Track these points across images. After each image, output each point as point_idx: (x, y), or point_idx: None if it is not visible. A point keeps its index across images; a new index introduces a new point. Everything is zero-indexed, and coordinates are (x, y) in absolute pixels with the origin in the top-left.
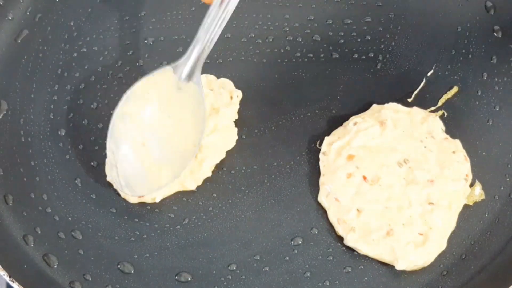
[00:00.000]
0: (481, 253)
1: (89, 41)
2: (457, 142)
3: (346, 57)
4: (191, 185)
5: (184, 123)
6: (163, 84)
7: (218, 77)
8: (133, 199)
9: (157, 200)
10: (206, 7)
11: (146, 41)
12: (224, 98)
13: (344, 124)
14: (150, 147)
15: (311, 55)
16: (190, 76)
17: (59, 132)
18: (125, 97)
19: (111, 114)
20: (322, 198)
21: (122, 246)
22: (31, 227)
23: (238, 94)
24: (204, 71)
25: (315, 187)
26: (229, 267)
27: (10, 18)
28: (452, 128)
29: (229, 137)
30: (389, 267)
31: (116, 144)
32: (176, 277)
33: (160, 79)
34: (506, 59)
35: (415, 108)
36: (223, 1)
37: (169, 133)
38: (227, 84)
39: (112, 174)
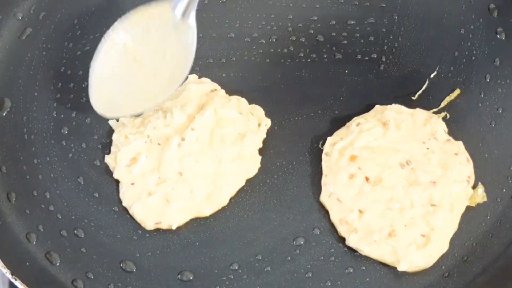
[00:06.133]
0: (483, 255)
1: (92, 40)
2: (460, 143)
3: (349, 58)
4: (207, 211)
5: (172, 57)
6: (159, 17)
7: (220, 77)
8: (149, 226)
9: (174, 227)
10: (209, 6)
11: None
12: (251, 124)
13: (347, 124)
14: (137, 71)
15: (314, 56)
16: (185, 14)
17: (62, 130)
18: (119, 21)
19: None
20: (324, 199)
21: (124, 245)
22: (33, 225)
23: (267, 123)
24: (207, 70)
25: (317, 188)
26: (231, 267)
27: (14, 16)
28: (455, 129)
29: (251, 165)
30: (390, 268)
31: (103, 65)
32: (178, 276)
33: (157, 11)
34: (509, 61)
35: (418, 109)
36: None
37: (155, 63)
38: (257, 110)
39: (94, 96)
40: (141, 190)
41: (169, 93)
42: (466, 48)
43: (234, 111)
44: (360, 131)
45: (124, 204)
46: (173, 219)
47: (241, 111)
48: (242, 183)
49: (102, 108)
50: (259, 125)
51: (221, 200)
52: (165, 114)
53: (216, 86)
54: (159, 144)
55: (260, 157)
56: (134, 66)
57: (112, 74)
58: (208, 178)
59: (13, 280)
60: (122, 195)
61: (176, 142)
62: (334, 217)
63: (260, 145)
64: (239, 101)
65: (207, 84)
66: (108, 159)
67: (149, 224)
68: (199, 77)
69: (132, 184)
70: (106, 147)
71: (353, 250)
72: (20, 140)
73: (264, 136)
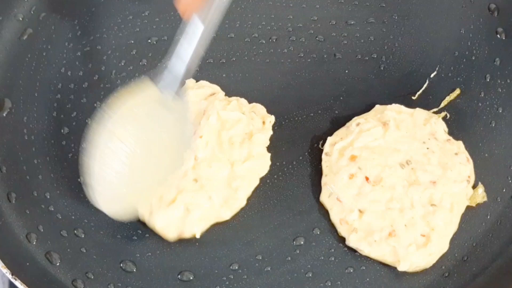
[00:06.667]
0: (483, 255)
1: (92, 40)
2: (460, 143)
3: (349, 58)
4: (226, 215)
5: (169, 138)
6: (148, 102)
7: (220, 77)
8: (172, 237)
9: (198, 236)
10: None
11: (149, 41)
12: (256, 123)
13: (347, 124)
14: (135, 164)
15: (314, 56)
16: (173, 90)
17: (62, 131)
18: (110, 117)
19: None
20: (324, 199)
21: (124, 245)
22: (33, 225)
23: (271, 120)
24: (207, 71)
25: (317, 188)
26: (231, 267)
27: (14, 17)
28: (455, 129)
29: (262, 164)
30: (390, 268)
31: (99, 163)
32: (178, 276)
33: (146, 96)
34: (509, 61)
35: (418, 109)
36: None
37: (154, 149)
38: (258, 109)
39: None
40: (159, 202)
41: (175, 171)
42: (466, 48)
43: (237, 112)
44: (360, 131)
45: (141, 218)
46: (195, 228)
47: (243, 111)
48: (257, 182)
49: (111, 208)
50: (263, 122)
51: (239, 202)
52: None
53: (215, 88)
54: None
55: (269, 154)
56: (134, 159)
57: (114, 172)
58: (223, 181)
59: (13, 280)
60: (139, 209)
61: (190, 158)
62: (334, 217)
63: (268, 143)
64: (239, 102)
65: (206, 88)
66: None
67: (171, 235)
68: (197, 80)
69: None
70: None
71: (353, 250)
72: (20, 140)
73: (271, 133)
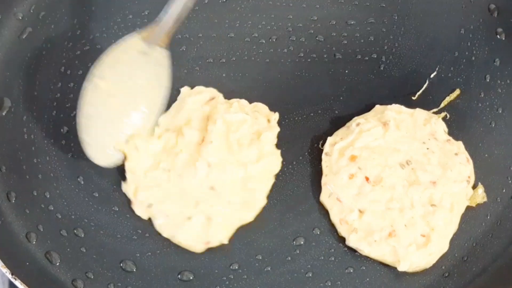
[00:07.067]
0: (483, 255)
1: (92, 39)
2: (460, 143)
3: (349, 58)
4: (249, 217)
5: (146, 84)
6: (130, 50)
7: (220, 77)
8: (200, 248)
9: (226, 242)
10: (208, 6)
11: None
12: (261, 122)
13: (347, 124)
14: (116, 104)
15: (314, 56)
16: (154, 42)
17: (61, 130)
18: (96, 65)
19: None
20: (324, 199)
21: (124, 245)
22: (33, 225)
23: (275, 117)
24: (207, 71)
25: (317, 188)
26: (231, 267)
27: (14, 15)
28: (455, 129)
29: (274, 161)
30: (390, 268)
31: (85, 105)
32: (178, 276)
33: (128, 45)
34: (509, 61)
35: (418, 109)
36: None
37: (130, 92)
38: (261, 107)
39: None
40: (179, 218)
41: (153, 118)
42: (466, 48)
43: (241, 113)
44: (360, 131)
45: (164, 235)
46: (221, 235)
47: (245, 111)
48: (272, 180)
49: (100, 157)
50: (268, 121)
51: (259, 201)
52: (176, 134)
53: (212, 92)
54: (179, 175)
55: (279, 151)
56: (112, 102)
57: (98, 117)
58: (239, 184)
59: (13, 280)
60: (159, 227)
61: (203, 166)
62: (334, 217)
63: (276, 140)
64: (240, 103)
65: (204, 93)
66: (126, 188)
67: (199, 247)
68: (192, 86)
69: (167, 216)
70: None
71: (353, 250)
72: (19, 139)
73: (278, 129)
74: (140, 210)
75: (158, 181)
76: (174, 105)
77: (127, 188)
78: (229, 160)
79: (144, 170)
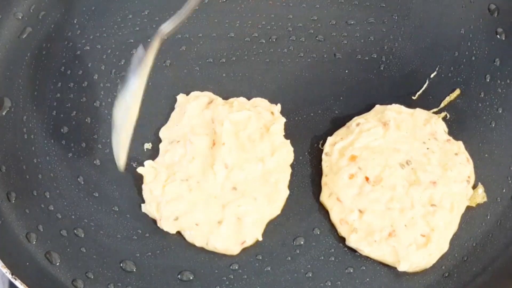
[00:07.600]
0: (483, 255)
1: (92, 39)
2: (460, 143)
3: (349, 58)
4: (276, 210)
5: None
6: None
7: (220, 77)
8: (236, 250)
9: (260, 238)
10: (209, 6)
11: (149, 40)
12: (265, 116)
13: (347, 124)
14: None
15: (314, 55)
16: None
17: (61, 130)
18: None
19: None
20: (324, 199)
21: (124, 245)
22: (33, 225)
23: (278, 108)
24: (207, 70)
25: (317, 188)
26: (231, 267)
27: (14, 15)
28: (455, 129)
29: (288, 151)
30: (390, 268)
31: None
32: (178, 276)
33: None
34: (509, 61)
35: (418, 109)
36: None
37: None
38: (260, 102)
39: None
40: (209, 224)
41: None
42: (466, 48)
43: (244, 110)
44: (360, 131)
45: (198, 245)
46: (254, 232)
47: (247, 108)
48: (289, 170)
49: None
50: (271, 113)
51: (282, 193)
52: (183, 143)
53: (209, 95)
54: (198, 182)
55: (289, 141)
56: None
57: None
58: (260, 179)
59: (13, 280)
60: (191, 238)
61: (221, 169)
62: (334, 217)
63: (283, 131)
64: (239, 101)
65: (201, 97)
66: (147, 208)
67: (235, 248)
68: (188, 92)
69: (197, 225)
70: (106, 146)
71: (353, 250)
72: (19, 139)
73: (284, 119)
74: (168, 225)
75: (179, 193)
76: (173, 115)
77: (149, 208)
78: (245, 158)
79: (161, 186)
